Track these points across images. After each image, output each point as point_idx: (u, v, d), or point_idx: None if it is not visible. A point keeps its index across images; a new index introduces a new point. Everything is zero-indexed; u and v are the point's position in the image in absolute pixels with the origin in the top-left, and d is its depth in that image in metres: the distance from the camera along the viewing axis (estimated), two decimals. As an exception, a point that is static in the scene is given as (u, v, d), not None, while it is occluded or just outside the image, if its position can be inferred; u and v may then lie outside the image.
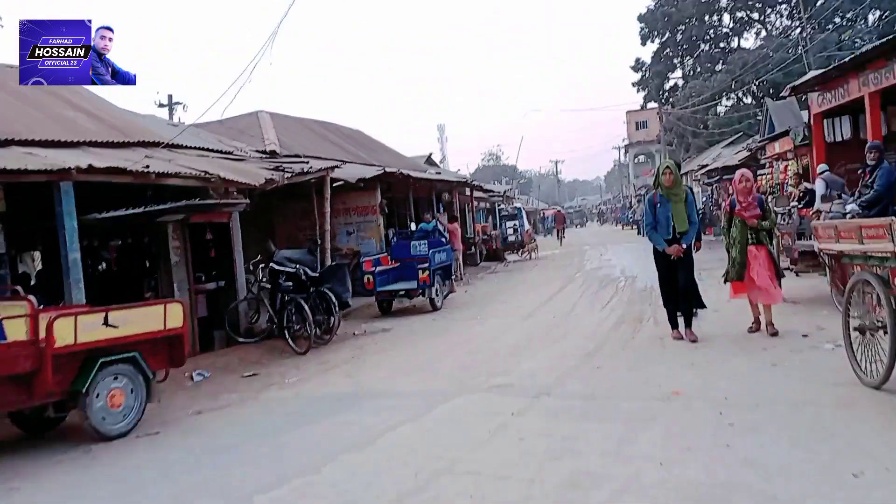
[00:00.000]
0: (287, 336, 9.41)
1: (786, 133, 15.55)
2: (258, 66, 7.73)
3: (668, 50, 46.19)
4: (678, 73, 47.59)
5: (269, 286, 9.97)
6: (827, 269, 6.11)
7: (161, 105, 28.50)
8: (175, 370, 6.61)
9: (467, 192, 24.82)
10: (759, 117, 28.51)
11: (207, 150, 10.62)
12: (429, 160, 29.42)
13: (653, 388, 5.35)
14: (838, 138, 14.48)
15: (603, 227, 63.83)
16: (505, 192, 32.25)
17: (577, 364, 6.50)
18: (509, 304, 11.98)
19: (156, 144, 9.05)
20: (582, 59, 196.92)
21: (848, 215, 7.25)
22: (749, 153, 20.75)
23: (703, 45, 45.62)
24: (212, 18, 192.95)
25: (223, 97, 8.56)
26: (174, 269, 9.13)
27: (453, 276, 16.14)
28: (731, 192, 8.86)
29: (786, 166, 15.53)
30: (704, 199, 29.00)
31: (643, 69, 48.48)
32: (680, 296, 6.92)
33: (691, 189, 23.59)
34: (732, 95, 39.14)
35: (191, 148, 10.28)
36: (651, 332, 7.72)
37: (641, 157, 66.93)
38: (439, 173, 24.48)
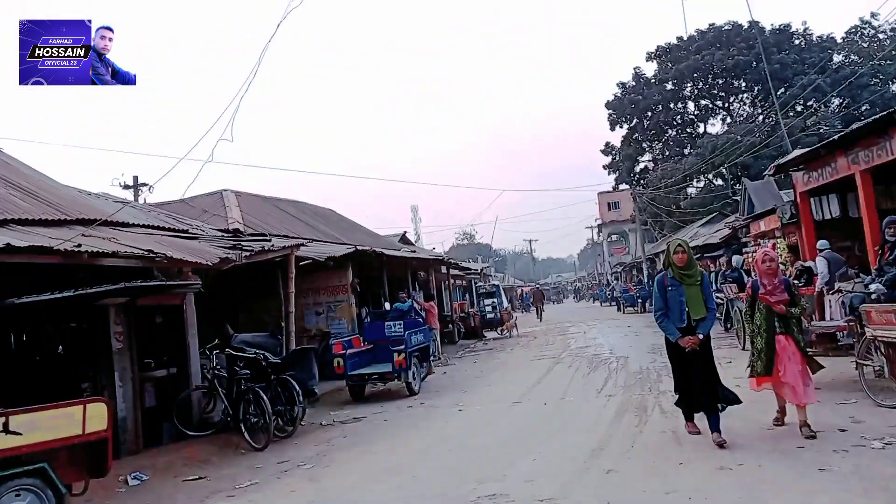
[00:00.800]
0: (244, 429, 8.26)
1: (772, 211, 15.31)
2: (219, 143, 6.99)
3: (636, 135, 47.49)
4: (647, 156, 48.83)
5: (225, 374, 8.88)
6: (880, 355, 5.32)
7: (126, 186, 27.50)
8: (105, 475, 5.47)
9: (443, 269, 24.14)
10: (736, 197, 28.81)
11: (158, 228, 9.73)
12: (403, 238, 28.83)
13: (682, 502, 4.38)
14: (826, 216, 14.21)
15: (579, 303, 63.40)
16: (482, 270, 31.63)
17: (582, 466, 5.51)
18: (494, 388, 10.96)
19: (94, 222, 8.15)
20: (555, 141, 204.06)
21: (873, 295, 6.63)
22: (731, 231, 20.54)
23: (670, 131, 47.13)
24: (175, 96, 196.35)
25: (181, 173, 7.91)
26: (115, 357, 8.04)
27: (431, 357, 15.11)
28: (753, 273, 8.08)
29: (773, 244, 15.18)
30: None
31: (613, 153, 49.63)
32: (699, 393, 5.83)
33: (705, 271, 23.43)
34: (703, 178, 40.00)
35: (139, 226, 9.39)
36: (660, 424, 6.78)
37: (614, 237, 67.65)
38: (414, 251, 23.81)
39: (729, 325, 15.86)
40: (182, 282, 8.61)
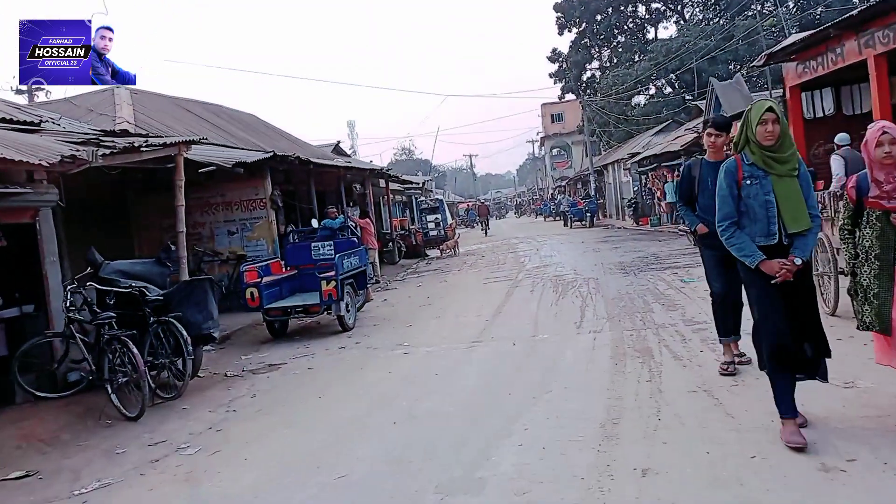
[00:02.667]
0: (110, 391, 6.06)
1: (740, 115, 13.50)
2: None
3: (585, 39, 45.02)
4: (596, 64, 46.62)
5: (88, 316, 6.54)
6: None
7: (19, 91, 23.43)
8: None
9: (382, 183, 21.75)
10: (696, 104, 27.17)
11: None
12: (336, 149, 26.01)
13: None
14: (818, 113, 12.51)
15: (521, 218, 62.46)
16: (423, 184, 29.34)
17: (597, 461, 3.62)
18: (445, 321, 9.04)
19: None
20: (498, 50, 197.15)
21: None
22: (697, 135, 18.85)
23: (620, 37, 44.75)
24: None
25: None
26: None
27: (369, 281, 13.05)
28: (847, 164, 6.14)
29: (752, 147, 13.52)
30: (636, 188, 27.39)
31: (560, 59, 47.14)
32: (798, 346, 3.53)
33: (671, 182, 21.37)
34: (653, 86, 38.26)
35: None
36: (681, 377, 4.99)
37: (555, 151, 66.19)
38: (349, 162, 21.20)
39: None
40: (16, 190, 6.09)
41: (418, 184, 28.34)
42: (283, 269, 10.24)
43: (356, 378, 6.40)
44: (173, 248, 7.85)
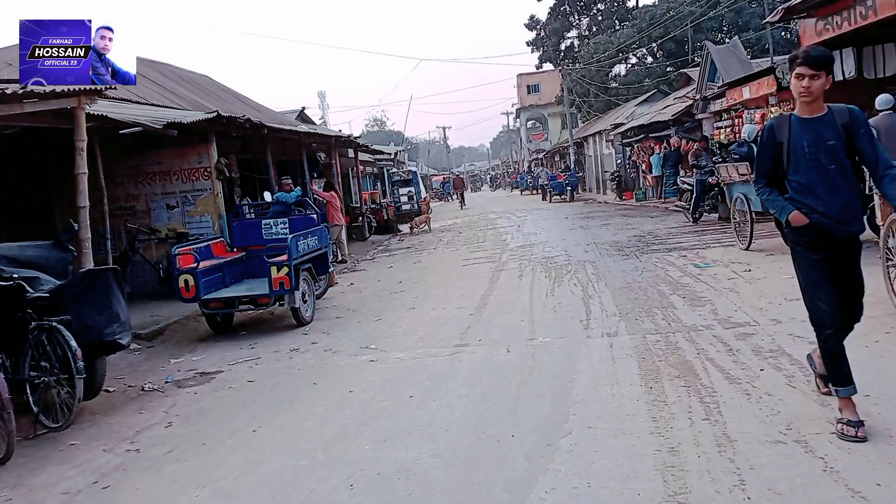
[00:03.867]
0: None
1: (765, 72, 12.14)
2: None
3: (565, 6, 43.24)
4: (574, 33, 44.95)
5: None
6: None
7: None
8: None
9: (351, 153, 20.03)
10: (673, 75, 25.88)
11: None
12: (302, 116, 24.09)
13: None
14: (838, 77, 11.22)
15: (496, 192, 61.07)
16: (396, 155, 27.62)
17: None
18: (421, 315, 7.58)
19: None
20: (473, 17, 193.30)
21: None
22: (691, 102, 17.53)
23: (600, 4, 43.06)
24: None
25: None
26: None
27: (332, 264, 11.52)
28: None
29: (763, 114, 12.19)
30: (619, 161, 26.10)
31: (538, 27, 45.34)
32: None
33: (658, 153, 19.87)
34: (634, 56, 36.81)
35: None
36: (751, 415, 3.62)
37: (531, 123, 64.68)
38: (314, 129, 19.39)
39: (699, 215, 13.19)
40: None
41: (390, 154, 26.64)
42: (228, 252, 8.65)
43: (306, 402, 4.92)
44: (76, 226, 6.19)
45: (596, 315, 6.35)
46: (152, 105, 12.18)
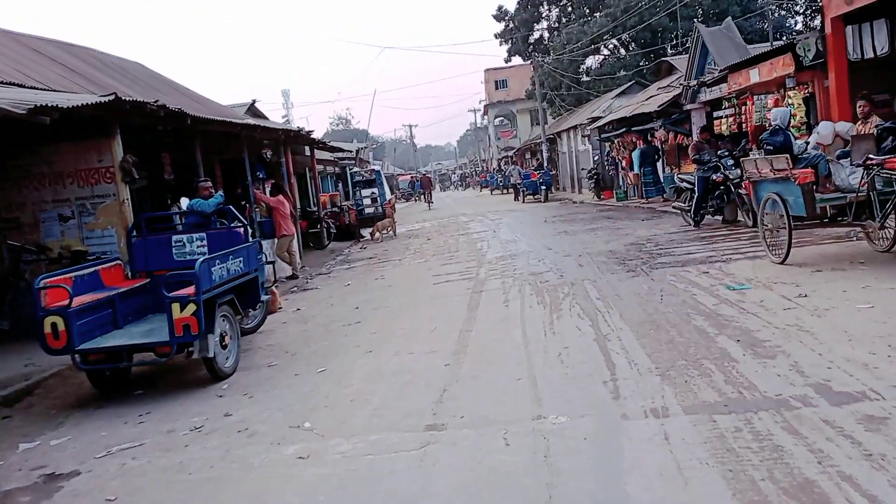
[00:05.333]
0: None
1: (780, 51, 10.52)
2: None
3: (534, -6, 41.66)
4: (544, 24, 43.45)
5: None
6: None
7: None
8: None
9: (307, 151, 17.98)
10: (645, 68, 24.40)
11: None
12: (252, 109, 21.87)
13: None
14: (867, 54, 9.62)
15: (465, 192, 59.33)
16: (358, 152, 25.55)
17: None
18: (379, 363, 5.66)
19: None
20: (439, 8, 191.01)
21: None
22: (682, 88, 15.92)
23: (569, -5, 41.62)
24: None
25: None
26: None
27: (275, 284, 9.56)
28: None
29: (775, 100, 10.56)
30: (597, 157, 24.54)
31: (507, 18, 43.69)
32: None
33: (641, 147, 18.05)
34: (606, 47, 35.41)
35: None
36: None
37: (499, 119, 63.15)
38: (262, 123, 17.24)
39: (701, 217, 11.56)
40: None
41: (351, 152, 24.58)
42: (126, 279, 6.60)
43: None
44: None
45: (623, 371, 4.52)
46: (52, 91, 9.99)
